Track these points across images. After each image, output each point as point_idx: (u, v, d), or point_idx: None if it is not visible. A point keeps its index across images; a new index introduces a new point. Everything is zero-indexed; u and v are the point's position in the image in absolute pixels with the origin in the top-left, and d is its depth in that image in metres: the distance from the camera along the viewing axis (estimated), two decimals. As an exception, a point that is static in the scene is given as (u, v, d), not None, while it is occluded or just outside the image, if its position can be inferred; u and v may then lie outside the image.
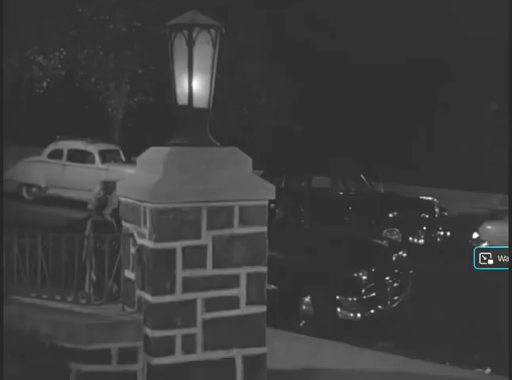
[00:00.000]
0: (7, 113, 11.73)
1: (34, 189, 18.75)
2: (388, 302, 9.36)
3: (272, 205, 10.20)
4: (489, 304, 11.00)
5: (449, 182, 22.21)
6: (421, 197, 16.62)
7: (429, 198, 16.50)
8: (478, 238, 14.21)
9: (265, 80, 23.98)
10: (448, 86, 26.88)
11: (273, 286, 8.38)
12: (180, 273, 4.69)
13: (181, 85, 4.98)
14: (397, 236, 14.75)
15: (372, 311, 9.09)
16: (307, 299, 9.26)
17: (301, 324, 9.20)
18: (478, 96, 27.96)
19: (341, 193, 16.08)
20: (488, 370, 8.35)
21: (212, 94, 5.08)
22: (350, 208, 15.52)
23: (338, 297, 8.93)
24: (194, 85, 4.95)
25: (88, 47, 21.08)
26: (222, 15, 7.34)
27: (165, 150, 4.90)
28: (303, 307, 9.33)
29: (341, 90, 27.63)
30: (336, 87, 27.60)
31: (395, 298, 9.51)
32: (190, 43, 4.89)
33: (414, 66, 26.56)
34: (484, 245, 14.11)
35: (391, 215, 15.42)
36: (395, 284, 9.56)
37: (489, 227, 14.27)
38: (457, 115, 27.49)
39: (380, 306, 9.23)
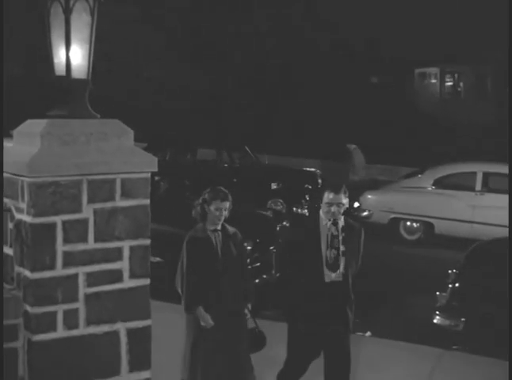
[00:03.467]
0: None
1: None
2: (273, 272, 9.55)
3: (156, 178, 10.12)
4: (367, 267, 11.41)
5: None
6: (304, 168, 16.98)
7: (312, 169, 16.89)
8: (359, 207, 14.69)
9: (150, 53, 23.67)
10: (333, 62, 27.47)
11: (158, 259, 8.36)
12: (60, 248, 4.59)
13: (59, 56, 4.84)
14: (281, 206, 15.03)
15: (257, 281, 9.24)
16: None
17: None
18: (360, 69, 28.66)
19: (226, 165, 16.17)
20: (368, 334, 8.69)
21: (91, 65, 4.97)
22: (235, 180, 15.65)
23: (223, 267, 9.00)
24: (72, 56, 4.82)
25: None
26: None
27: (42, 122, 4.76)
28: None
29: (227, 63, 27.65)
30: (222, 59, 27.60)
31: (280, 267, 9.71)
32: (67, 12, 4.75)
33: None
34: (365, 213, 14.61)
35: (275, 186, 15.68)
36: (279, 254, 9.75)
37: (369, 196, 14.78)
38: (341, 88, 28.10)
39: (264, 276, 9.41)
